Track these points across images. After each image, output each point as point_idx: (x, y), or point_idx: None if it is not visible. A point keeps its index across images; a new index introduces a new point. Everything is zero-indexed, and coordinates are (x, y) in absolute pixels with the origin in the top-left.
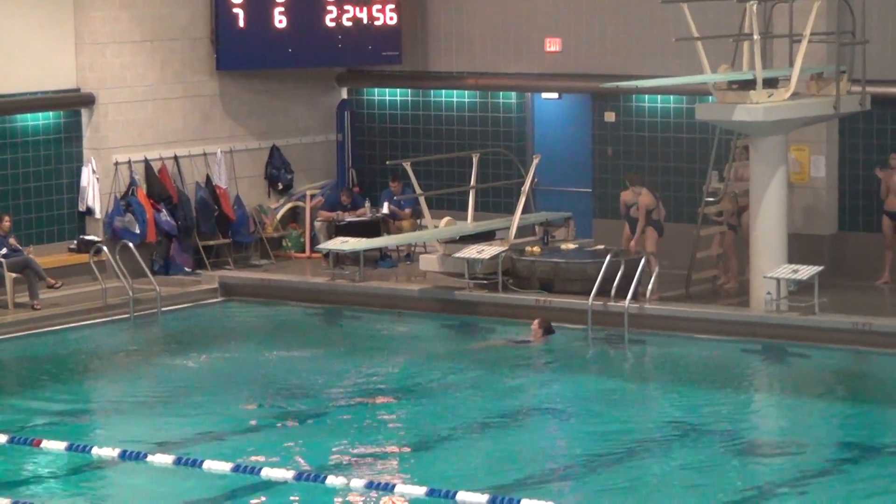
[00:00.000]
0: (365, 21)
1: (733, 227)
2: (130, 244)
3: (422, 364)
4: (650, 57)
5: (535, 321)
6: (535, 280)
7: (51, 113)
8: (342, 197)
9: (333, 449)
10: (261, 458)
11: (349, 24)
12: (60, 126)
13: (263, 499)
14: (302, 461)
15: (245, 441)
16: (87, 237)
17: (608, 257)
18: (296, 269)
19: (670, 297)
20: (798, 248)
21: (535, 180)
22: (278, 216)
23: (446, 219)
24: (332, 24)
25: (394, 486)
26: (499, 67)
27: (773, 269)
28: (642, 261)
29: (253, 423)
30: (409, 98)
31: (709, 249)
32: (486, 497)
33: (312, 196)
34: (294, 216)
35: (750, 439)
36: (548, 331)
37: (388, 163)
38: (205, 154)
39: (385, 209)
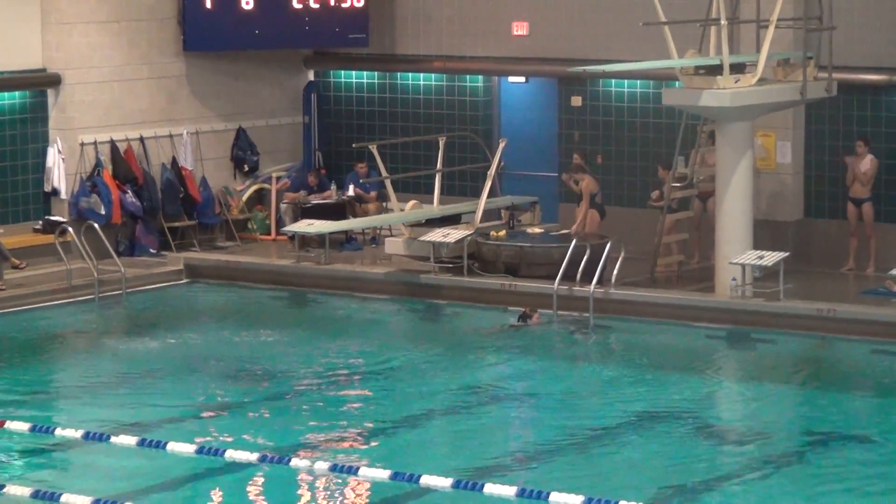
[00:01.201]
0: (332, 3)
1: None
2: (96, 225)
3: (386, 348)
4: (617, 41)
5: (535, 315)
6: (501, 264)
7: (17, 93)
8: (309, 178)
9: (298, 431)
10: (225, 440)
11: (316, 5)
12: (26, 106)
13: (227, 480)
14: (266, 443)
15: (209, 423)
16: (53, 218)
17: (573, 242)
18: (261, 251)
19: (635, 282)
20: (763, 235)
21: (502, 164)
22: (244, 198)
23: (412, 202)
24: (300, 6)
25: (357, 468)
26: (466, 51)
27: (738, 254)
28: (608, 246)
29: (217, 404)
30: (376, 81)
31: (674, 234)
32: (449, 481)
33: (278, 178)
34: (260, 198)
35: (714, 425)
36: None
37: (354, 145)
38: (171, 135)
39: (351, 191)
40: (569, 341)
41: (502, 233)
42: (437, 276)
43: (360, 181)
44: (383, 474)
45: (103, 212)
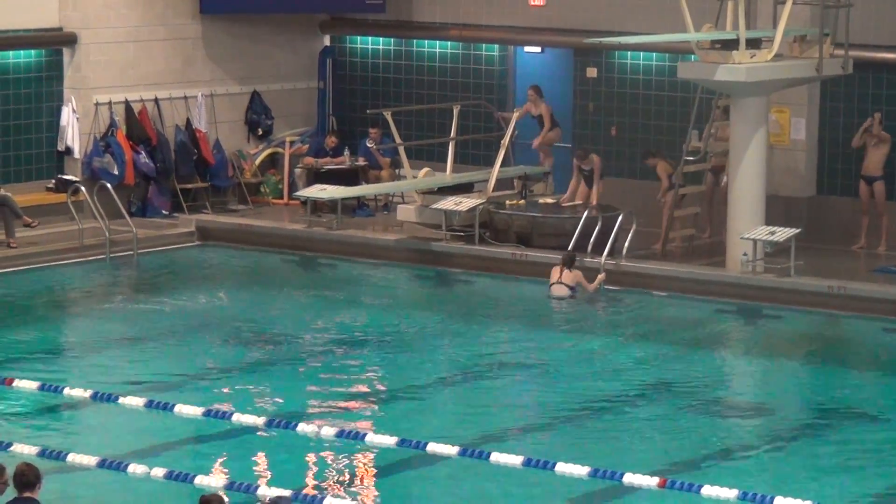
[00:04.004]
0: None
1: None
2: (108, 185)
3: (396, 314)
4: (634, 14)
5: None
6: (512, 233)
7: (32, 51)
8: (328, 140)
9: (305, 396)
10: (232, 404)
11: None
12: (42, 65)
13: (234, 443)
14: (273, 408)
15: (217, 386)
16: (66, 177)
17: (585, 213)
18: (273, 215)
19: (646, 254)
20: (775, 210)
21: (515, 133)
22: (257, 162)
23: (425, 170)
24: None
25: (364, 435)
26: (482, 19)
27: (750, 230)
28: (620, 217)
29: (225, 367)
30: (392, 47)
31: (686, 208)
32: (455, 449)
33: (292, 143)
34: (273, 162)
35: (722, 399)
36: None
37: (368, 111)
38: (185, 97)
39: (366, 150)
40: (578, 312)
41: (521, 202)
42: (449, 244)
43: (369, 146)
44: (390, 441)
45: (116, 172)
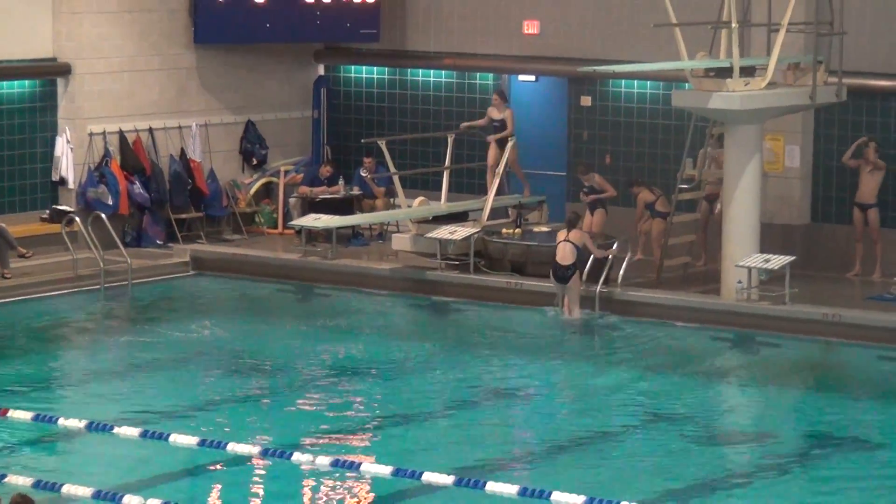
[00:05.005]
0: None
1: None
2: (103, 215)
3: (391, 343)
4: (628, 42)
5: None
6: (507, 262)
7: (26, 81)
8: (322, 168)
9: (300, 426)
10: (227, 433)
11: (328, 0)
12: (36, 95)
13: (229, 473)
14: (268, 437)
15: (212, 415)
16: (60, 207)
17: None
18: (268, 244)
19: (641, 282)
20: (770, 238)
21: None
22: (252, 191)
23: (420, 198)
24: (311, 0)
25: (359, 464)
26: (476, 48)
27: (744, 257)
28: (615, 245)
29: (220, 397)
30: (386, 76)
31: (681, 236)
32: (451, 478)
33: (286, 172)
34: (267, 192)
35: (717, 427)
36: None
37: (363, 141)
38: (180, 127)
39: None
40: (574, 341)
41: (518, 231)
42: (444, 273)
43: (365, 175)
44: (385, 470)
45: (111, 202)
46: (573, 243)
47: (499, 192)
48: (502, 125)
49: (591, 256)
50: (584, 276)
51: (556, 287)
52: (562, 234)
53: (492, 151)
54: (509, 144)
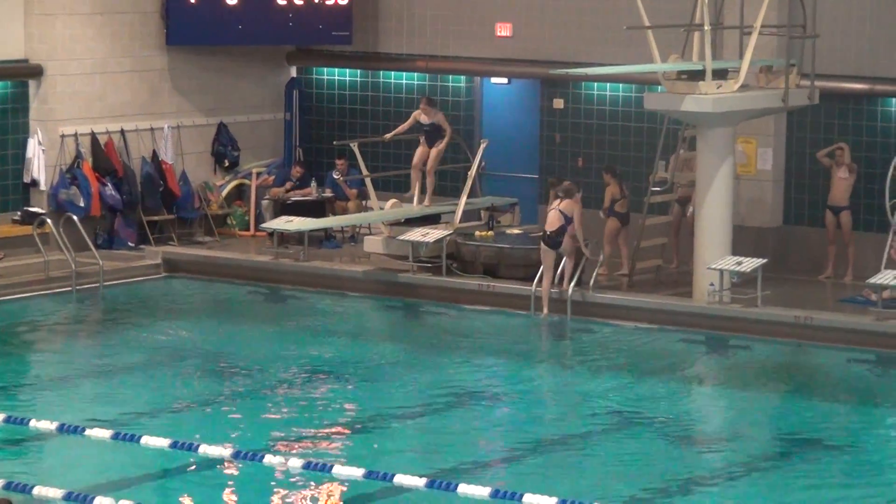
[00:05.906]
0: (316, 0)
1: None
2: (74, 217)
3: (363, 346)
4: (600, 44)
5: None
6: (480, 265)
7: None
8: (293, 170)
9: (272, 428)
10: (198, 435)
11: (300, 2)
12: (7, 96)
13: (200, 475)
14: (240, 439)
15: (184, 417)
16: (31, 209)
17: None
18: (240, 246)
19: (613, 285)
20: (742, 241)
21: (483, 165)
22: (224, 193)
23: (392, 201)
24: (283, 2)
25: (331, 467)
26: (449, 51)
27: (716, 260)
28: (587, 246)
29: (192, 399)
30: (359, 79)
31: (653, 239)
32: (423, 481)
33: (258, 174)
34: (239, 194)
35: (688, 429)
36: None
37: (335, 143)
38: (152, 129)
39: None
40: (546, 344)
41: (490, 233)
42: (416, 275)
43: (336, 177)
44: (357, 473)
45: (82, 204)
46: (563, 212)
47: (471, 195)
48: (433, 128)
49: (564, 259)
50: (556, 279)
51: (544, 256)
52: (555, 203)
53: (420, 150)
54: (441, 146)
